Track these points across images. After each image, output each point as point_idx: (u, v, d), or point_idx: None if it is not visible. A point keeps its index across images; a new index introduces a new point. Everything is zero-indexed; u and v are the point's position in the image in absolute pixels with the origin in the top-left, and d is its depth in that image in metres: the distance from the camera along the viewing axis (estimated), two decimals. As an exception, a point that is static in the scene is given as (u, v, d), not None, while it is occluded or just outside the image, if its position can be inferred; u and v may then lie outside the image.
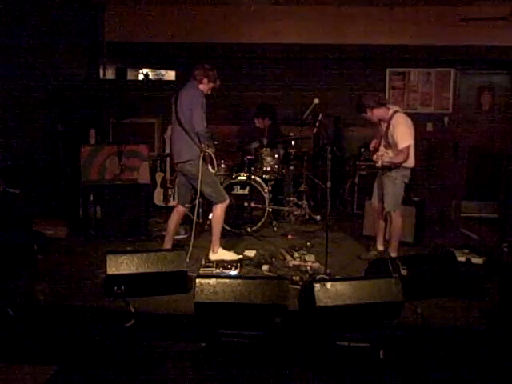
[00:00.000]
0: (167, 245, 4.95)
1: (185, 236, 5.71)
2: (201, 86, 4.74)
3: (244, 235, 5.89)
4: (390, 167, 4.79)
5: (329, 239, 4.54)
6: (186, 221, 6.08)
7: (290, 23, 7.38)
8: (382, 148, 4.91)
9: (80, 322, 3.66)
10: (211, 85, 4.79)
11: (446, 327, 3.67)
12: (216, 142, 6.54)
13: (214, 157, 4.80)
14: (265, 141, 6.33)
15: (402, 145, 4.67)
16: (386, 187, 4.89)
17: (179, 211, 4.99)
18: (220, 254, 4.90)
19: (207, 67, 4.77)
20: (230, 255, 4.93)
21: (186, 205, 5.02)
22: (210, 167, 4.82)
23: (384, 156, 4.72)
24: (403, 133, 4.69)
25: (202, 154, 4.67)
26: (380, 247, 5.15)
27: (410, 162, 4.81)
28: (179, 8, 7.38)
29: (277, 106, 7.49)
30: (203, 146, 4.68)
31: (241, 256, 4.99)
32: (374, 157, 4.83)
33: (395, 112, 4.81)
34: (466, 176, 6.84)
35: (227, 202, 4.93)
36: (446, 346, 3.45)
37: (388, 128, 4.79)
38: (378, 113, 4.80)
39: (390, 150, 4.82)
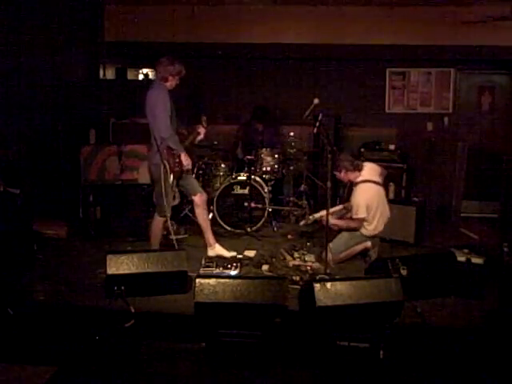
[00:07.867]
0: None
1: (185, 236, 5.72)
2: (168, 84, 4.58)
3: (244, 235, 5.89)
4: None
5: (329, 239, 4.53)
6: (186, 221, 6.11)
7: (290, 23, 7.37)
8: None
9: (80, 322, 3.66)
10: (177, 77, 4.60)
11: (446, 327, 3.68)
12: (216, 142, 6.58)
13: (168, 170, 4.50)
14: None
15: (355, 215, 4.82)
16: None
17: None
18: None
19: (166, 62, 4.53)
20: None
21: (177, 200, 4.91)
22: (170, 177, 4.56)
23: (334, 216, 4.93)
24: (358, 205, 4.79)
25: (162, 164, 4.46)
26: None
27: (372, 230, 4.86)
28: (179, 8, 7.36)
29: (277, 106, 7.51)
30: (164, 154, 4.45)
31: None
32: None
33: (363, 181, 4.89)
34: (465, 176, 6.82)
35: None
36: (446, 346, 3.46)
37: (351, 192, 4.98)
38: (351, 175, 4.94)
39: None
